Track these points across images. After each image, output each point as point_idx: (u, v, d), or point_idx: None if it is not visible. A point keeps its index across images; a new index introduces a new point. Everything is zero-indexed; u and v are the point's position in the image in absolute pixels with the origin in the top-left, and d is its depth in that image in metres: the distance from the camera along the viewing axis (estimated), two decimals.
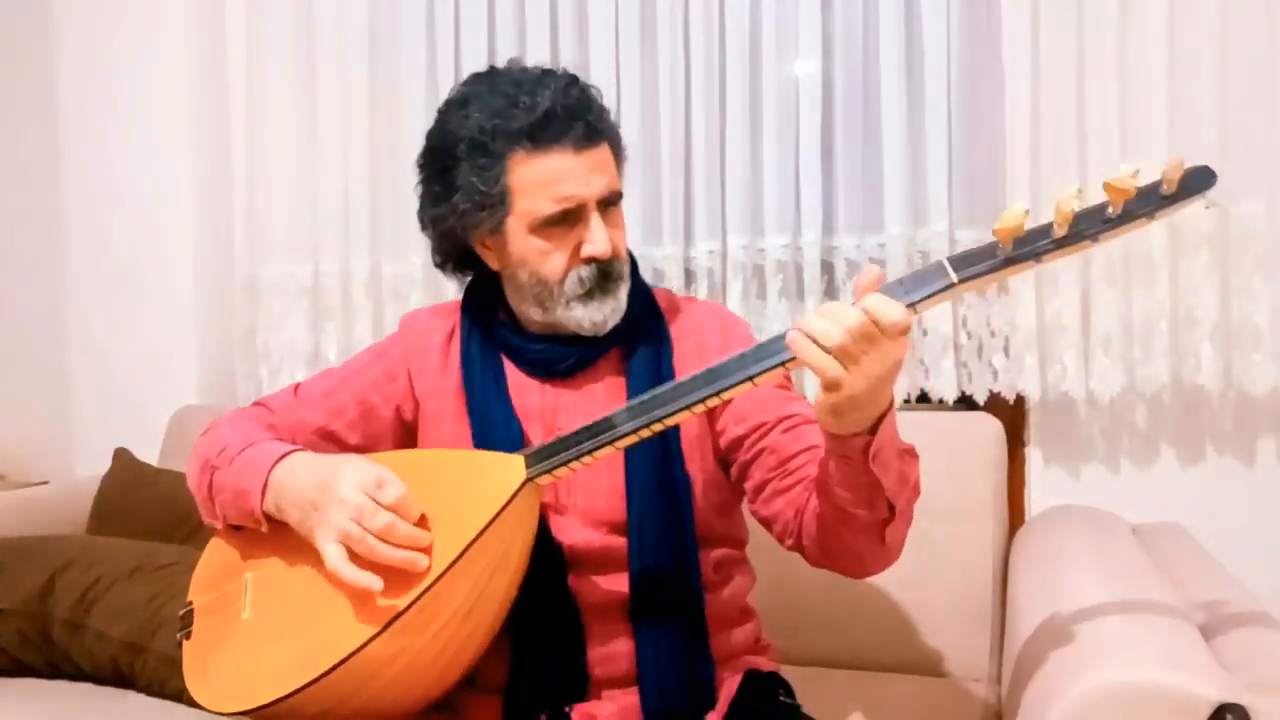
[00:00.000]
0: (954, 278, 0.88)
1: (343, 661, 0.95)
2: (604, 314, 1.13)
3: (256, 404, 1.24)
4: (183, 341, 2.37)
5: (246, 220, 2.35)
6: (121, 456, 2.11)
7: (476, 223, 1.14)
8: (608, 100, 1.94)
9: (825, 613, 1.63)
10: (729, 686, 1.17)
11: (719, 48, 1.95)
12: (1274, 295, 1.63)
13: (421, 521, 1.00)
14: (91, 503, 2.05)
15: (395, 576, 0.97)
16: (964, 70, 1.83)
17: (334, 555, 0.97)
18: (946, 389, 1.83)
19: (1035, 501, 1.82)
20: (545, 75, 1.13)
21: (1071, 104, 1.72)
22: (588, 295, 1.12)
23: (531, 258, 1.12)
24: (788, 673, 1.28)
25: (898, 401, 1.83)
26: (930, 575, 1.59)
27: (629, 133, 2.01)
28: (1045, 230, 0.87)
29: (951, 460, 1.63)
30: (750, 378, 0.92)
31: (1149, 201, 0.85)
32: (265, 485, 1.06)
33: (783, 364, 0.91)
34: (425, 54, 2.17)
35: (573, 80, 1.14)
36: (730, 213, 1.95)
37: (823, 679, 1.54)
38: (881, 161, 1.86)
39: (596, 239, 1.11)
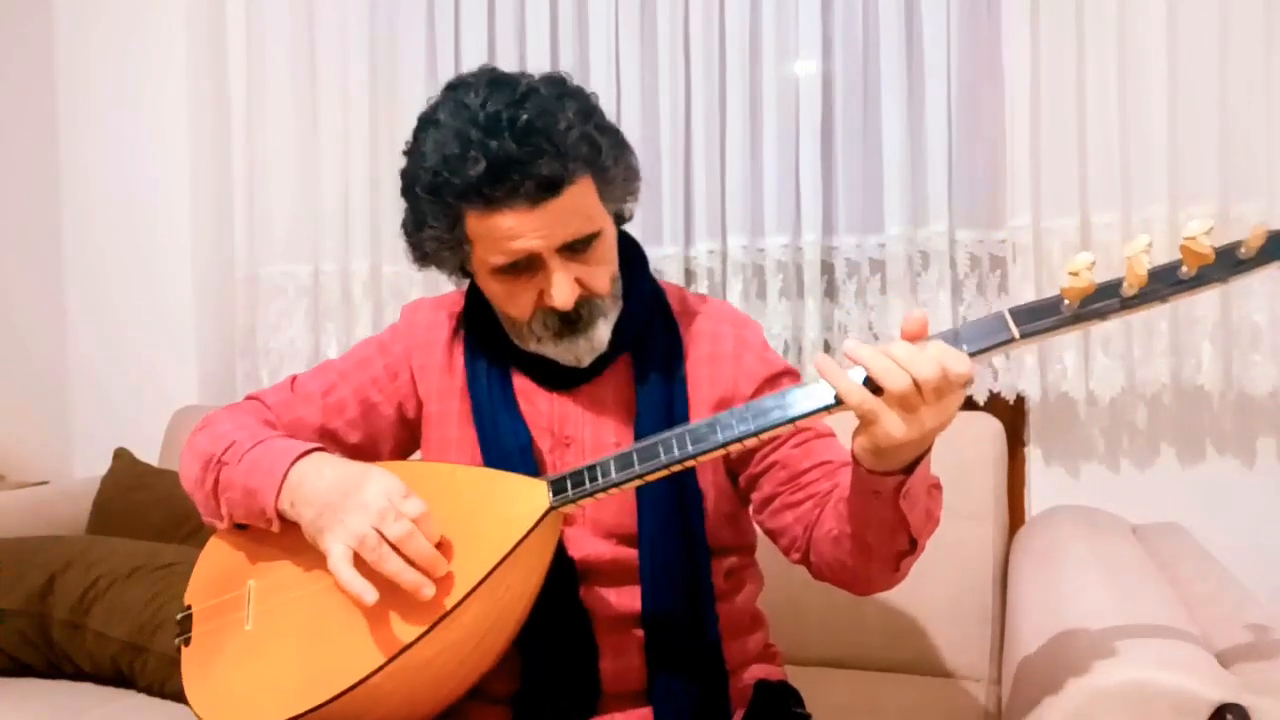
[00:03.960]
0: (1015, 333, 0.84)
1: (349, 689, 0.93)
2: (576, 353, 1.08)
3: (250, 398, 1.20)
4: (183, 341, 2.37)
5: (246, 220, 2.35)
6: (121, 456, 2.11)
7: (444, 260, 1.09)
8: (608, 100, 1.98)
9: (825, 613, 1.63)
10: (740, 697, 1.16)
11: (719, 48, 1.95)
12: (1274, 295, 1.63)
13: (440, 548, 0.95)
14: (91, 503, 2.05)
15: (409, 605, 0.93)
16: (964, 70, 1.83)
17: (338, 555, 0.93)
18: None
19: (1035, 501, 1.82)
20: (506, 109, 0.98)
21: (1071, 104, 1.72)
22: (557, 335, 1.07)
23: (498, 298, 1.09)
24: (788, 673, 1.28)
25: None
26: (930, 575, 1.59)
27: (629, 133, 2.00)
28: (1114, 288, 0.83)
29: (951, 460, 1.62)
30: (792, 419, 0.87)
31: (1225, 266, 0.82)
32: (283, 482, 1.02)
33: (828, 409, 0.86)
34: (425, 54, 2.17)
35: (535, 116, 0.98)
36: (730, 213, 1.95)
37: (823, 679, 1.54)
38: (881, 161, 1.86)
39: (556, 293, 1.02)
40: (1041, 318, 0.84)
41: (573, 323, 1.06)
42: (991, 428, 1.66)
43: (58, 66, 2.48)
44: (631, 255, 1.15)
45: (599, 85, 2.02)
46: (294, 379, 1.21)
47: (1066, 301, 0.83)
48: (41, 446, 2.48)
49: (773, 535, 1.12)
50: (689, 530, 1.11)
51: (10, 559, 1.69)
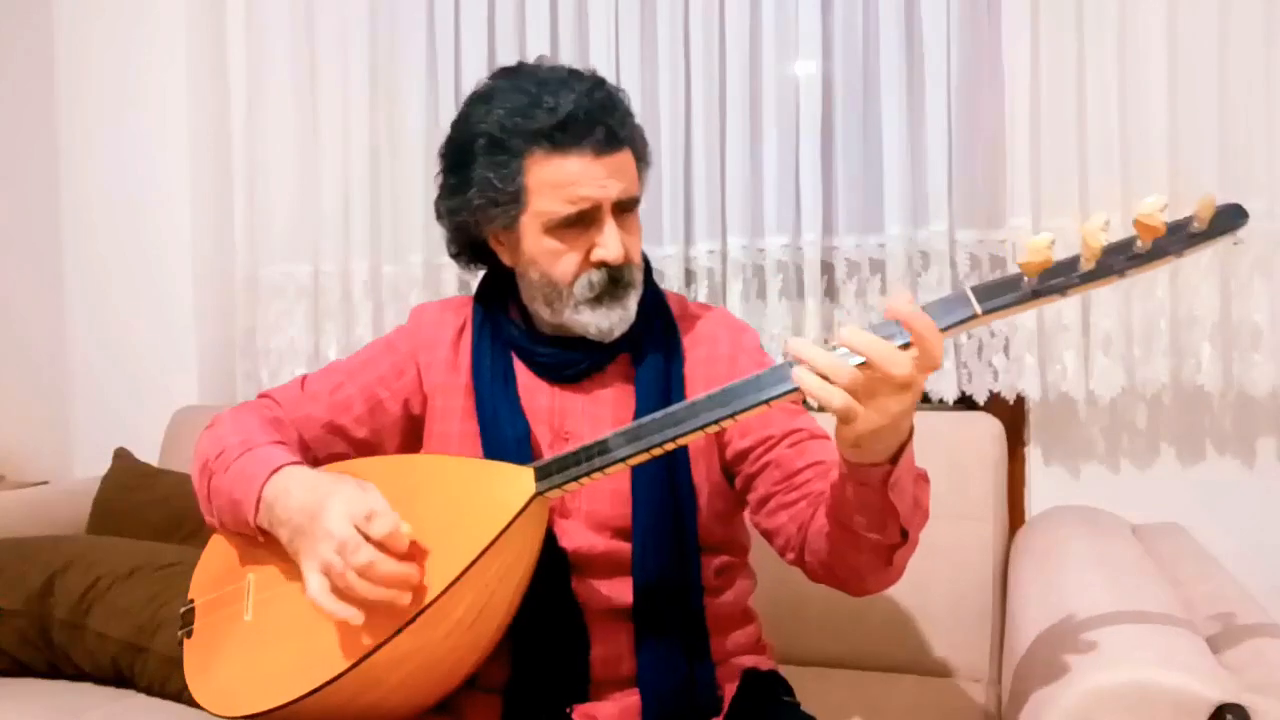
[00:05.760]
0: (978, 309, 0.85)
1: (346, 671, 0.95)
2: (611, 321, 1.12)
3: (262, 396, 1.23)
4: (183, 341, 2.37)
5: (246, 220, 2.35)
6: (121, 456, 2.11)
7: (490, 218, 1.12)
8: None
9: (826, 613, 1.63)
10: (729, 687, 1.17)
11: (719, 48, 1.95)
12: (1274, 295, 1.63)
13: (413, 552, 0.96)
14: (91, 503, 2.05)
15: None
16: (964, 70, 1.82)
17: (315, 586, 0.95)
18: (946, 389, 1.82)
19: (1035, 501, 1.82)
20: (571, 76, 1.10)
21: (1071, 104, 1.72)
22: (596, 300, 1.11)
23: (543, 258, 1.11)
24: (788, 672, 1.28)
25: None
26: (930, 575, 1.59)
27: None
28: (1072, 264, 0.85)
29: (951, 460, 1.63)
30: (765, 401, 0.90)
31: (1178, 239, 0.83)
32: (259, 501, 1.05)
33: (795, 389, 0.88)
34: (425, 54, 2.17)
35: (599, 83, 1.11)
36: (730, 213, 1.95)
37: (823, 679, 1.54)
38: (881, 161, 1.86)
39: (609, 243, 1.09)
40: (1003, 293, 0.86)
41: (617, 282, 1.11)
42: (991, 428, 1.66)
43: (58, 66, 2.48)
44: None
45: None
46: (304, 379, 1.24)
47: (1026, 277, 0.85)
48: (41, 446, 2.48)
49: (768, 535, 1.13)
50: (681, 526, 1.13)
51: (10, 559, 1.69)
